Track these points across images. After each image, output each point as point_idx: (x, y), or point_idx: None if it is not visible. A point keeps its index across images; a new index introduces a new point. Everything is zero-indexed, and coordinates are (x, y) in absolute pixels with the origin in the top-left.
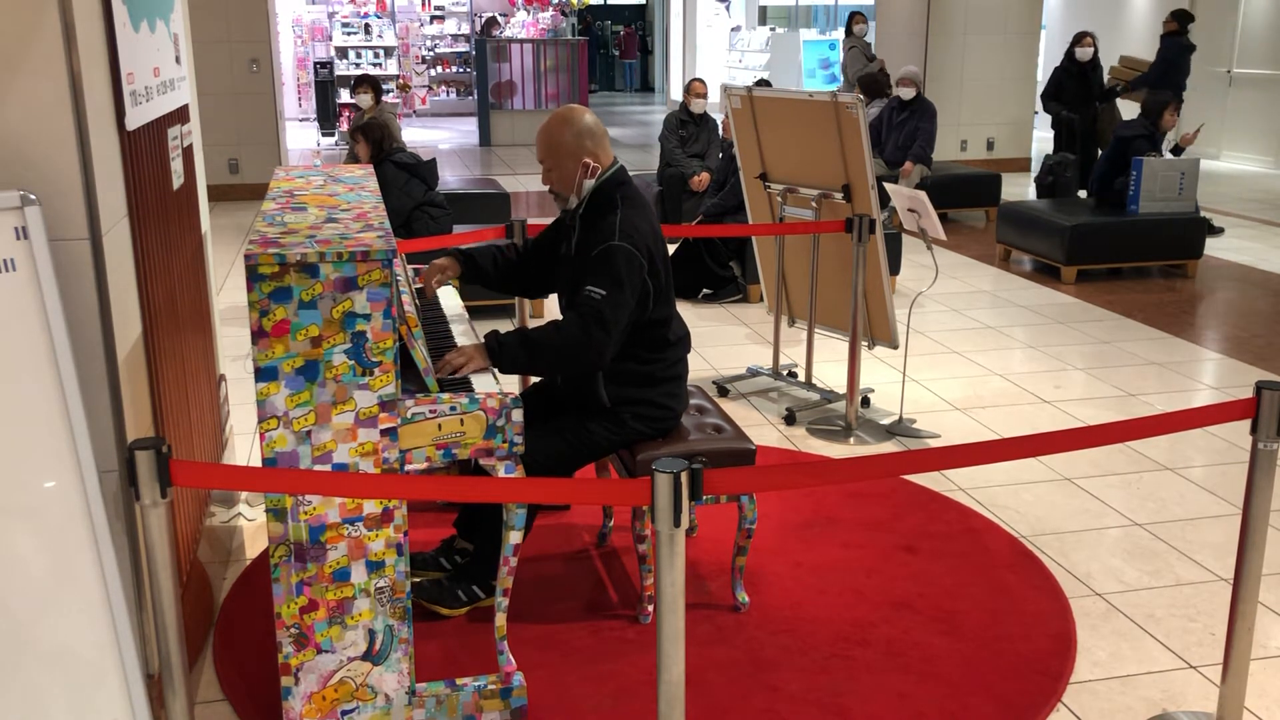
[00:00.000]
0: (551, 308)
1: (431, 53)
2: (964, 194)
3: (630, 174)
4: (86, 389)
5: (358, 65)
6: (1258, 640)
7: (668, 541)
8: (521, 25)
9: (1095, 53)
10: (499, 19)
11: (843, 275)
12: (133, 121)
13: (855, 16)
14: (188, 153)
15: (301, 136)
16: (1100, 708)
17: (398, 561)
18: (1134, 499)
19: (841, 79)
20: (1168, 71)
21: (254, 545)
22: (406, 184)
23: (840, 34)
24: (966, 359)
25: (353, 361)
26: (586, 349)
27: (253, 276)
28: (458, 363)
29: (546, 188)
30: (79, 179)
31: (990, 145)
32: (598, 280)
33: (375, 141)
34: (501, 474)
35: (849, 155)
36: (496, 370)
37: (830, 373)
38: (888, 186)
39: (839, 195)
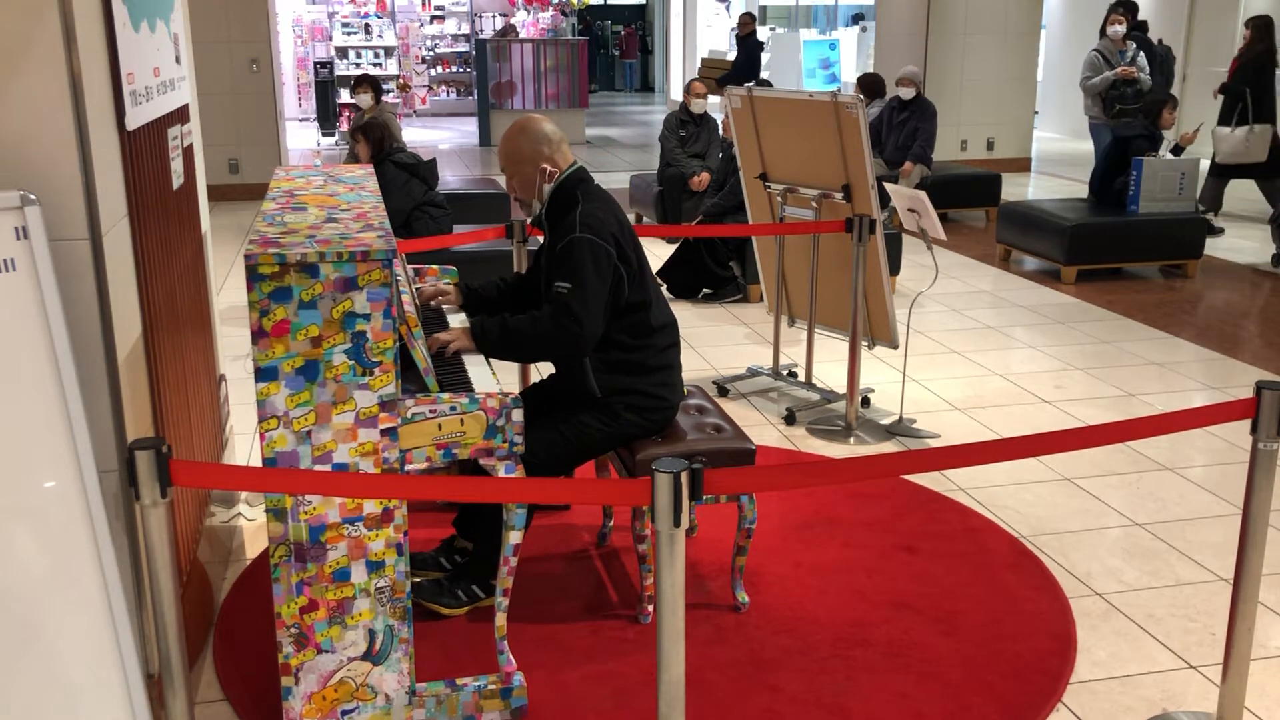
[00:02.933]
0: None
1: (431, 53)
2: (964, 194)
3: (630, 174)
4: (86, 389)
5: (358, 65)
6: (1258, 640)
7: (668, 541)
8: (521, 25)
9: None
10: (515, 25)
11: (843, 275)
12: (133, 121)
13: (1112, 15)
14: (188, 153)
15: (301, 136)
16: (1100, 708)
17: (398, 561)
18: (1134, 499)
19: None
20: (751, 69)
21: (254, 545)
22: (406, 184)
23: (839, 34)
24: (966, 359)
25: (353, 361)
26: (559, 341)
27: (253, 276)
28: (444, 339)
29: (513, 197)
30: (79, 179)
31: (990, 145)
32: (564, 274)
33: (375, 141)
34: (501, 474)
35: (849, 155)
36: (481, 353)
37: (830, 373)
38: (888, 186)
39: (839, 195)
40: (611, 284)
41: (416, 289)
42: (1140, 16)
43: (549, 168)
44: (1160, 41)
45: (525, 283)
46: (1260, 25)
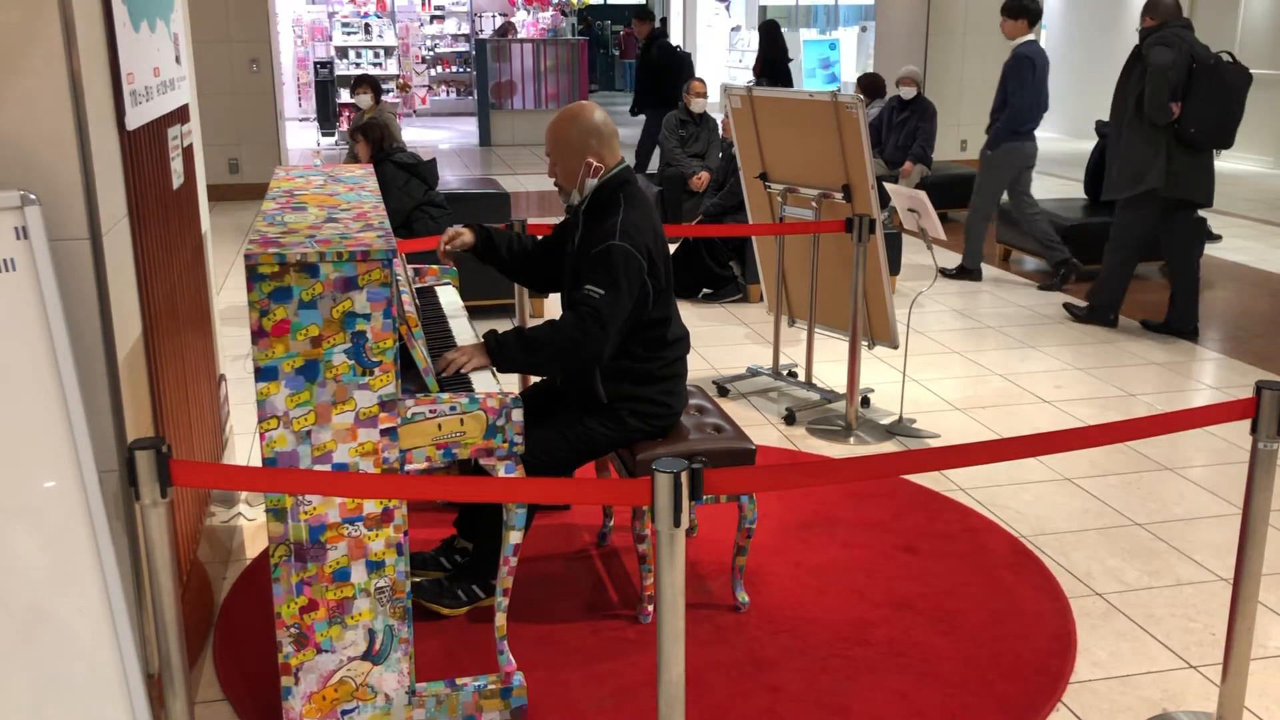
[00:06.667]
0: (551, 308)
1: (431, 53)
2: (964, 194)
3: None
4: (86, 389)
5: (358, 65)
6: (1258, 640)
7: (668, 541)
8: (521, 25)
9: None
10: (513, 23)
11: (843, 275)
12: (133, 121)
13: None
14: (188, 153)
15: (301, 136)
16: (1100, 708)
17: (398, 561)
18: (1134, 499)
19: None
20: None
21: (254, 545)
22: (406, 184)
23: (840, 34)
24: (966, 359)
25: (353, 361)
26: (583, 348)
27: (253, 276)
28: (459, 361)
29: (552, 181)
30: (79, 179)
31: None
32: (596, 280)
33: (375, 141)
34: (501, 474)
35: (849, 155)
36: (495, 369)
37: (830, 373)
38: (888, 186)
39: (839, 195)
40: (637, 299)
41: (419, 287)
42: (1137, 18)
43: (595, 162)
44: (678, 48)
45: (535, 255)
46: (766, 31)
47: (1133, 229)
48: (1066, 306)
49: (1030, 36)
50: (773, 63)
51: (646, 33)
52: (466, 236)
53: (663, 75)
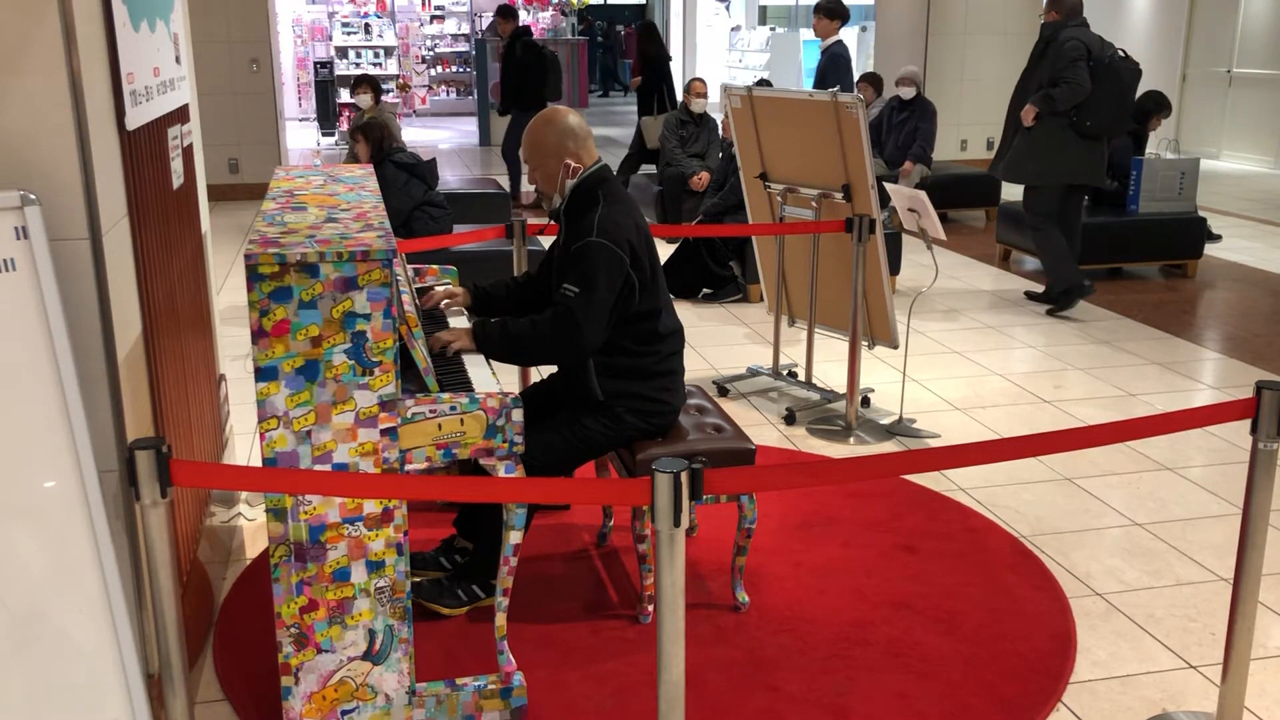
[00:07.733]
0: None
1: (431, 53)
2: (964, 194)
3: (630, 174)
4: (86, 389)
5: (358, 65)
6: (1258, 640)
7: (668, 541)
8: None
9: None
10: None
11: (843, 275)
12: (133, 121)
13: None
14: (188, 153)
15: (301, 136)
16: (1100, 708)
17: (398, 561)
18: (1134, 499)
19: None
20: None
21: (254, 545)
22: (406, 184)
23: (840, 34)
24: (966, 359)
25: (353, 361)
26: (560, 345)
27: (253, 276)
28: (445, 339)
29: (532, 187)
30: (79, 179)
31: (990, 145)
32: (572, 278)
33: (375, 141)
34: (501, 474)
35: (849, 155)
36: (482, 354)
37: (830, 373)
38: (888, 186)
39: (839, 195)
40: (621, 293)
41: (426, 293)
42: (1140, 17)
43: (573, 163)
44: (545, 48)
45: (534, 281)
46: (645, 32)
47: (1046, 205)
48: (1034, 298)
49: (839, 36)
50: (657, 62)
51: (510, 31)
52: (461, 297)
53: (528, 74)
